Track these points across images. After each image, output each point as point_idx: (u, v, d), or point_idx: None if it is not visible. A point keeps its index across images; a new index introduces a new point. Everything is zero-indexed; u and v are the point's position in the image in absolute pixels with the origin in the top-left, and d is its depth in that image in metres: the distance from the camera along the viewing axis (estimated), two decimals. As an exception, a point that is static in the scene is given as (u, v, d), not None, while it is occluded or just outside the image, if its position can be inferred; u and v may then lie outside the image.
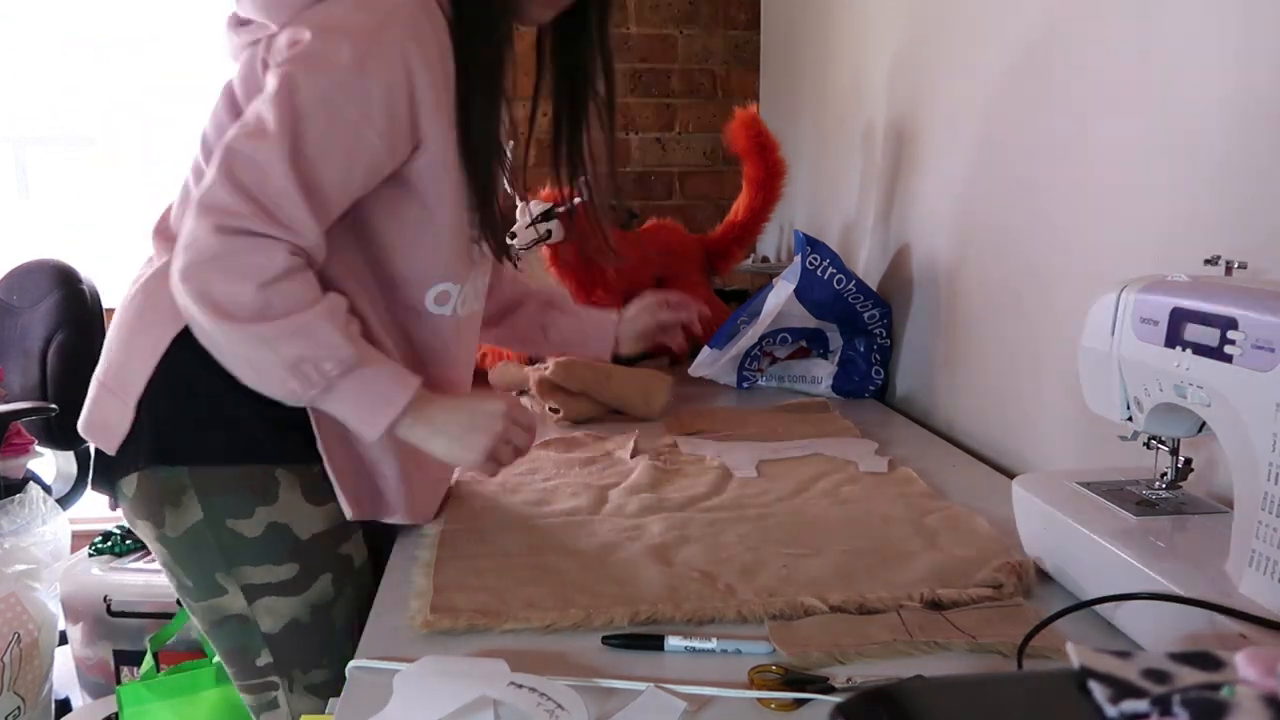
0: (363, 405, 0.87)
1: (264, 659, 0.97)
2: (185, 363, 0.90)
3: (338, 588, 0.97)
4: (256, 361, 0.84)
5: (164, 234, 0.99)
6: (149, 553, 2.02)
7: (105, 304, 2.19)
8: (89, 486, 1.04)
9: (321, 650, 0.97)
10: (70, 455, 2.25)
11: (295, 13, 0.89)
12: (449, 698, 0.64)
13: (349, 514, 0.95)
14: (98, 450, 0.98)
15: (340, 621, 0.98)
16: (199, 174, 0.94)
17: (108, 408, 0.95)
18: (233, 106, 0.93)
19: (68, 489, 2.24)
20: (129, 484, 0.95)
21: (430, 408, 0.90)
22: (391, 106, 0.85)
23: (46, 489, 2.11)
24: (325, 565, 0.97)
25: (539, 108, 1.08)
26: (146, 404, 0.92)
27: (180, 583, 0.97)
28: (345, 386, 0.85)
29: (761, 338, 1.62)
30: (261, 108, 0.83)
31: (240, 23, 0.95)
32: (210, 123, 0.96)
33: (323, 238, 0.86)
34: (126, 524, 1.03)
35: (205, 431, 0.93)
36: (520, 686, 0.65)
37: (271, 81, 0.84)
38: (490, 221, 0.96)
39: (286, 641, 0.96)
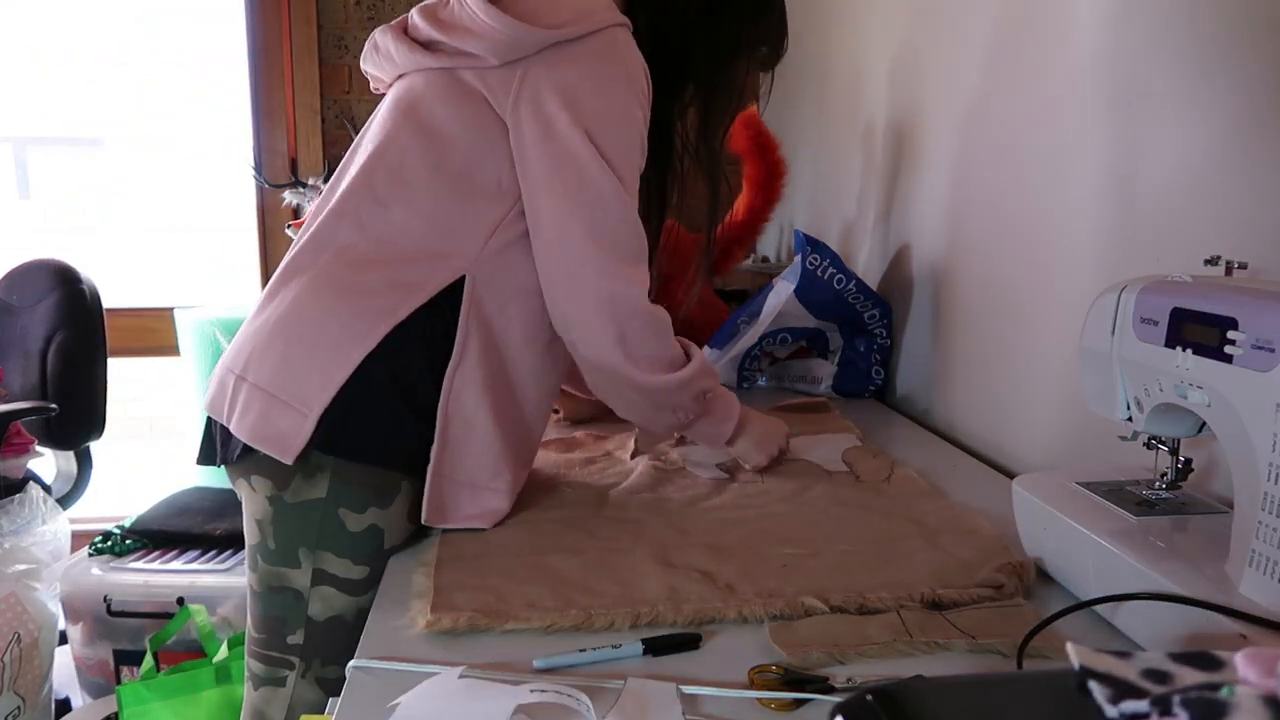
0: (718, 423, 1.13)
1: (295, 638, 0.99)
2: (370, 375, 0.94)
3: None
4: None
5: (319, 239, 1.01)
6: (149, 552, 2.02)
7: (105, 304, 2.18)
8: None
9: (348, 651, 0.99)
10: (70, 455, 2.24)
11: (521, 54, 0.95)
12: None
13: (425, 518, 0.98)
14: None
15: None
16: (371, 191, 1.00)
17: (283, 421, 0.94)
18: (422, 127, 0.99)
19: (68, 489, 2.24)
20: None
21: (748, 421, 1.16)
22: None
23: (46, 489, 2.11)
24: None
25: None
26: (327, 414, 0.94)
27: (263, 541, 0.99)
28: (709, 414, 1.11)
29: (761, 338, 1.62)
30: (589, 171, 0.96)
31: (422, 44, 0.99)
32: (386, 138, 1.00)
33: None
34: (224, 471, 1.04)
35: (364, 432, 0.96)
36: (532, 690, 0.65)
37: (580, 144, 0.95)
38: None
39: (323, 631, 0.99)
